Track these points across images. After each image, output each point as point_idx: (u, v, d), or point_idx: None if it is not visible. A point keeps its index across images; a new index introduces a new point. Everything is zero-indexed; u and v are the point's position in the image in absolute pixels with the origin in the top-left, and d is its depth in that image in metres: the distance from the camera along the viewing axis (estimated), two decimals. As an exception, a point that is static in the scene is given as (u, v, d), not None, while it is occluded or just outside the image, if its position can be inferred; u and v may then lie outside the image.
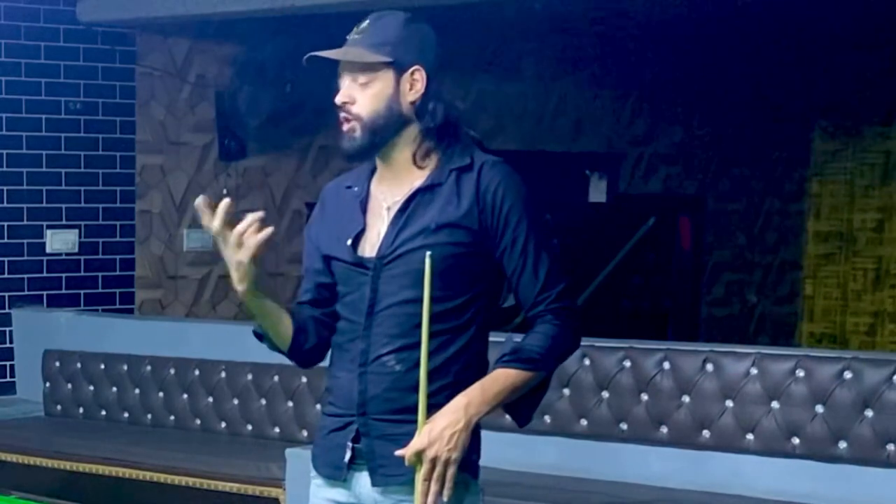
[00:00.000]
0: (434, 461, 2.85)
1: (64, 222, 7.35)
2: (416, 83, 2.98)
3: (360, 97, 2.97)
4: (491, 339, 3.06)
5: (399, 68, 2.97)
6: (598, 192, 9.83)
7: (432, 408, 2.91)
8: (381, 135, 2.97)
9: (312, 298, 3.10)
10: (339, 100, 2.99)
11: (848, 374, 4.87)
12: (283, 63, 7.73)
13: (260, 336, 3.11)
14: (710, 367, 5.13)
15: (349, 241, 3.00)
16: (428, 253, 2.86)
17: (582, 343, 5.37)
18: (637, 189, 10.06)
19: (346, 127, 2.99)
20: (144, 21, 7.29)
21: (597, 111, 9.73)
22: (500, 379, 2.95)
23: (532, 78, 9.33)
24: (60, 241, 7.35)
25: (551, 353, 2.98)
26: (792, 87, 10.55)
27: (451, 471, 2.87)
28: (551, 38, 9.28)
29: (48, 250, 7.32)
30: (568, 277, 3.04)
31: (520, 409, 3.04)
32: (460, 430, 2.88)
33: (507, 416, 5.38)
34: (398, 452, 2.89)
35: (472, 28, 8.44)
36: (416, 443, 2.86)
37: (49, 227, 7.31)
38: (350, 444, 3.00)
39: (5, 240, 7.18)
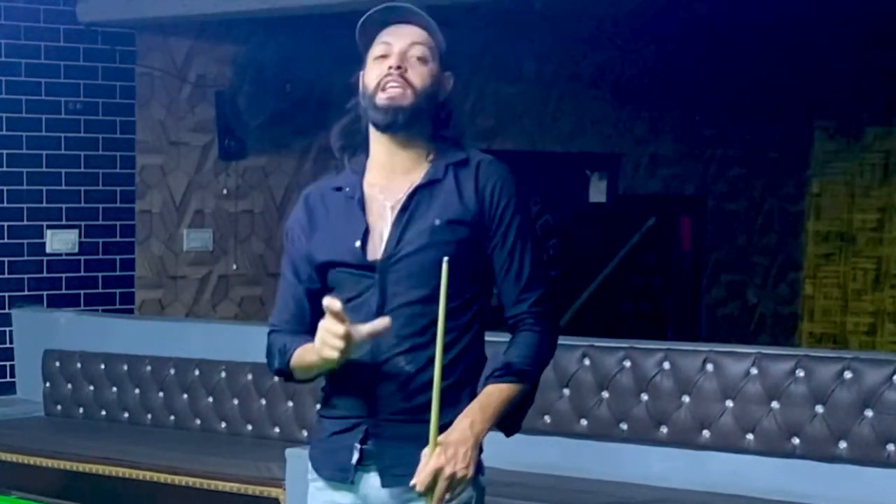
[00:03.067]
0: (451, 479, 2.86)
1: (64, 222, 7.35)
2: (447, 84, 3.02)
3: (414, 70, 2.95)
4: (488, 339, 3.06)
5: (444, 64, 3.01)
6: (598, 192, 9.83)
7: (441, 406, 2.90)
8: (423, 115, 2.96)
9: (302, 310, 3.04)
10: (395, 62, 2.93)
11: (848, 374, 4.87)
12: (283, 63, 7.73)
13: (285, 374, 3.07)
14: (710, 367, 5.13)
15: (357, 243, 2.96)
16: (445, 258, 2.81)
17: (582, 343, 5.42)
18: (637, 189, 10.06)
19: (394, 90, 2.92)
20: (144, 21, 7.29)
21: (597, 111, 9.73)
22: (496, 395, 2.96)
23: (532, 78, 9.33)
24: (60, 241, 7.35)
25: (537, 361, 3.01)
26: (792, 87, 10.54)
27: (462, 488, 2.90)
28: (551, 38, 9.28)
29: (48, 250, 7.31)
30: (549, 282, 3.06)
31: (509, 420, 3.05)
32: (471, 448, 2.89)
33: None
34: (414, 482, 2.87)
35: (472, 28, 8.44)
36: (434, 462, 2.85)
37: (49, 227, 7.30)
38: (357, 445, 2.99)
39: (5, 240, 7.17)
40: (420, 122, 2.97)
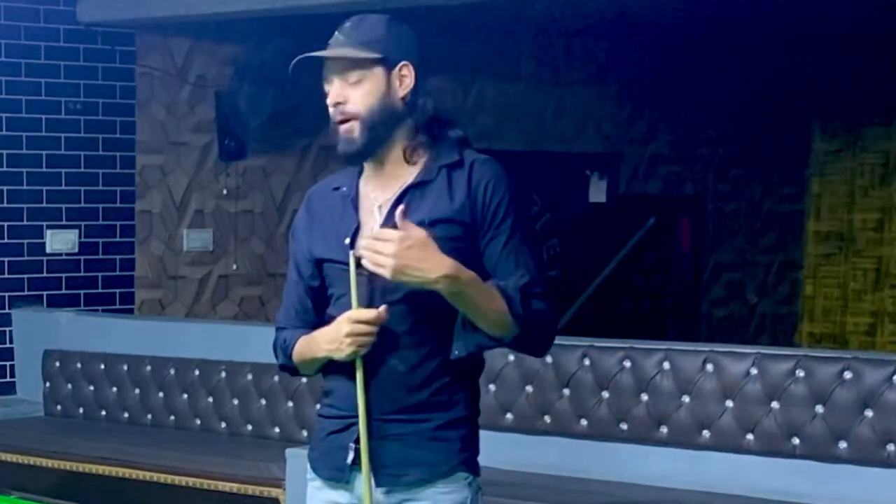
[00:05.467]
0: (388, 258, 2.79)
1: (64, 222, 7.35)
2: (405, 79, 2.99)
3: (353, 95, 2.96)
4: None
5: (389, 64, 2.98)
6: (598, 192, 9.83)
7: (436, 406, 2.94)
8: (379, 132, 2.97)
9: (304, 307, 3.11)
10: (331, 100, 2.98)
11: (848, 374, 4.86)
12: (283, 63, 7.70)
13: (290, 369, 3.14)
14: (710, 367, 5.13)
15: (346, 241, 2.98)
16: (351, 252, 2.88)
17: (582, 343, 5.42)
18: (637, 189, 10.06)
19: (343, 128, 2.97)
20: (144, 21, 7.29)
21: (597, 111, 9.74)
22: (489, 292, 2.88)
23: (532, 78, 9.33)
24: (60, 241, 7.35)
25: (534, 320, 2.93)
26: (792, 87, 10.55)
27: (385, 274, 2.82)
28: (551, 38, 9.28)
29: (48, 250, 7.32)
30: (548, 284, 3.03)
31: (467, 337, 2.93)
32: (420, 277, 2.81)
33: (507, 416, 5.40)
34: (375, 232, 2.85)
35: (472, 28, 8.44)
36: (393, 233, 2.81)
37: (49, 227, 7.30)
38: (353, 445, 2.99)
39: (5, 240, 7.18)
40: (384, 134, 2.97)
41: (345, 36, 2.99)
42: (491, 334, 2.91)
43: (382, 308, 2.89)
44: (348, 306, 2.96)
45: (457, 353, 2.93)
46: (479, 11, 7.94)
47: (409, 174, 3.01)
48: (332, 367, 3.05)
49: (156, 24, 7.42)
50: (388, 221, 2.96)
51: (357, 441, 2.99)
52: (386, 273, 2.81)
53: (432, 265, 2.81)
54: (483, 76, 8.95)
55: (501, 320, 2.90)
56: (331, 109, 3.00)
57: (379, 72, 2.97)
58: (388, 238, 2.81)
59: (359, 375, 2.93)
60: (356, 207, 3.03)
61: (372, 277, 2.93)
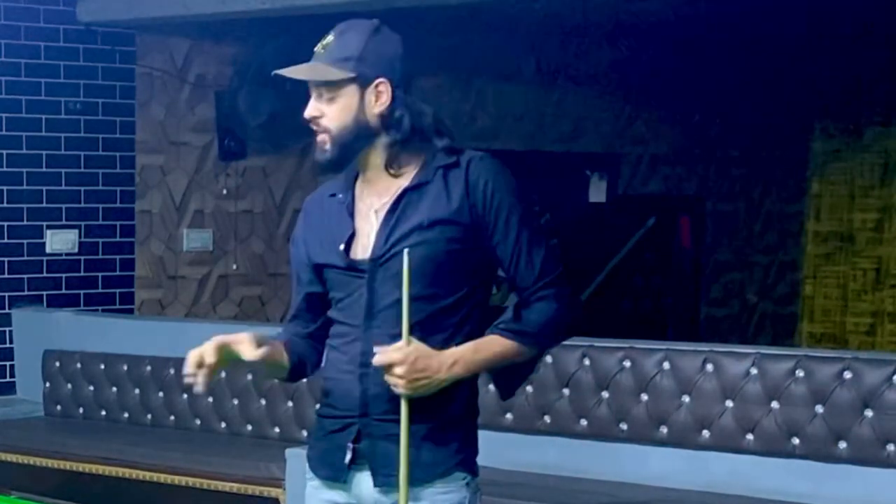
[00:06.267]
0: (400, 379, 2.88)
1: (64, 222, 7.35)
2: (381, 95, 2.99)
3: (328, 111, 3.00)
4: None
5: (363, 82, 2.99)
6: (598, 192, 9.83)
7: (433, 406, 2.94)
8: (350, 147, 3.00)
9: (302, 312, 3.16)
10: (307, 114, 3.03)
11: (848, 374, 4.86)
12: (283, 63, 7.71)
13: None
14: (710, 367, 5.13)
15: (342, 246, 3.00)
16: (406, 250, 2.89)
17: (582, 343, 5.42)
18: (637, 189, 10.06)
19: (318, 139, 3.03)
20: (144, 21, 7.29)
21: (597, 111, 9.73)
22: (493, 345, 2.98)
23: (532, 78, 9.33)
24: (60, 241, 7.35)
25: (546, 330, 3.01)
26: (792, 87, 10.54)
27: (404, 393, 2.90)
28: (551, 38, 9.28)
29: (48, 250, 7.31)
30: (562, 265, 3.06)
31: (506, 381, 3.07)
32: (433, 381, 2.91)
33: (507, 416, 5.40)
34: (377, 360, 2.90)
35: (472, 28, 8.44)
36: (397, 357, 2.88)
37: (49, 227, 7.30)
38: (351, 444, 3.01)
39: (5, 240, 7.17)
40: (353, 149, 3.00)
41: (323, 49, 3.03)
42: (522, 362, 3.04)
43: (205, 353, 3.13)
44: (348, 309, 3.02)
45: (504, 399, 3.15)
46: (479, 11, 7.94)
47: (406, 177, 3.01)
48: (331, 368, 3.07)
49: (156, 24, 7.42)
50: (385, 225, 2.98)
51: (355, 441, 3.00)
52: (404, 392, 2.89)
53: (437, 366, 2.91)
54: (483, 76, 8.95)
55: (519, 353, 3.01)
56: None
57: (352, 89, 2.99)
58: (395, 361, 2.88)
59: (403, 407, 2.92)
60: (352, 213, 3.05)
61: (371, 280, 2.97)
